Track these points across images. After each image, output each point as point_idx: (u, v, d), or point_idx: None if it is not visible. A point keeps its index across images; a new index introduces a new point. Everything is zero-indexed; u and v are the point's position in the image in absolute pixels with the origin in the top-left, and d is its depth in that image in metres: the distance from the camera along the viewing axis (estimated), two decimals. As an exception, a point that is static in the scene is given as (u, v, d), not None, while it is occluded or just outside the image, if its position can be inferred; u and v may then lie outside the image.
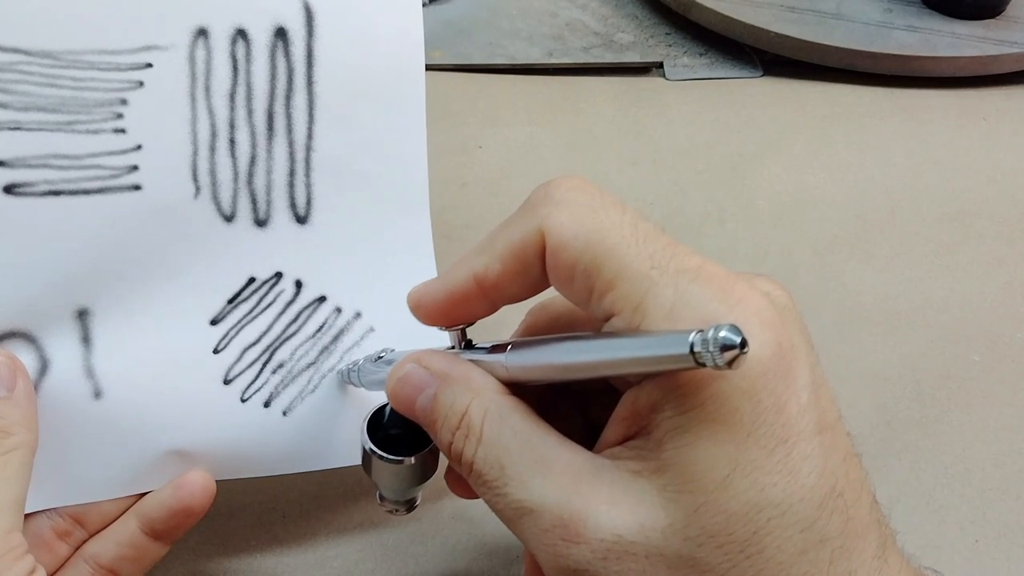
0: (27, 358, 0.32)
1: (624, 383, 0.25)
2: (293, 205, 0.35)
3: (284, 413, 0.34)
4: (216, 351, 0.34)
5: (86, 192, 0.32)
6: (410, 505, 0.31)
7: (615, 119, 0.59)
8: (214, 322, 0.34)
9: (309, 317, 0.35)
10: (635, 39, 0.66)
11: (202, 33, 0.33)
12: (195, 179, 0.34)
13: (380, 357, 0.32)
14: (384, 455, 0.29)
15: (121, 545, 0.32)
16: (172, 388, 0.33)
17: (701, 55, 0.65)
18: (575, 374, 0.25)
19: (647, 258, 0.24)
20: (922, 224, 0.52)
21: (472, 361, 0.27)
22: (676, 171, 0.55)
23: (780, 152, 0.57)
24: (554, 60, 0.63)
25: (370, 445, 0.29)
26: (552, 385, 0.29)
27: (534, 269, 0.26)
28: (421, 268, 0.37)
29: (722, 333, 0.19)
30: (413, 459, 0.29)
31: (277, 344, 0.35)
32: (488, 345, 0.27)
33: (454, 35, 0.65)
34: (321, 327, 0.35)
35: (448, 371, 0.27)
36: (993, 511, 0.39)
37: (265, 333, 0.35)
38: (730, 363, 0.20)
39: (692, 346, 0.20)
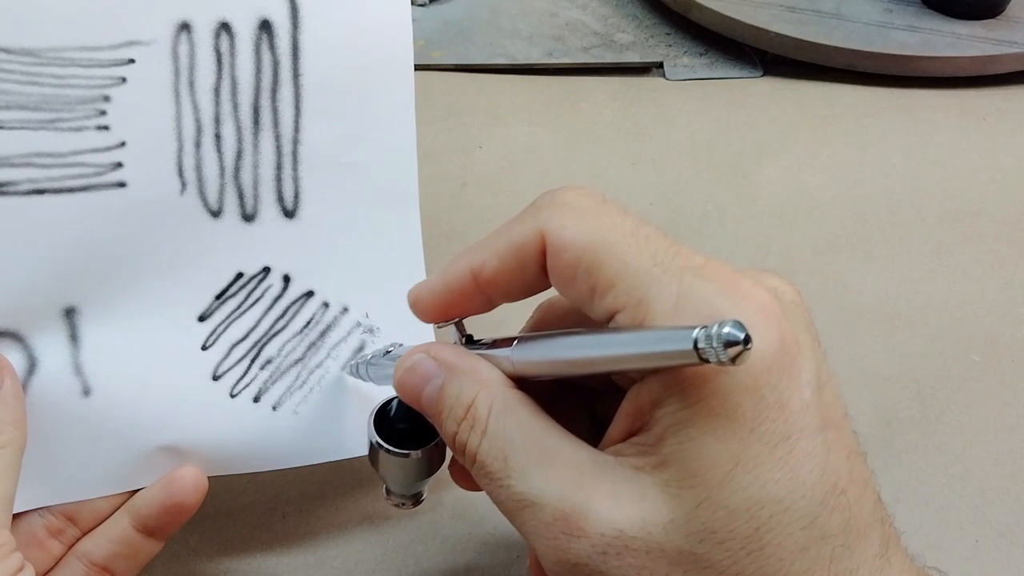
0: (15, 357, 0.32)
1: (628, 379, 0.25)
2: (280, 199, 0.35)
3: (274, 408, 0.34)
4: (204, 347, 0.34)
5: (70, 190, 0.32)
6: (416, 499, 0.31)
7: (615, 119, 0.59)
8: (202, 318, 0.34)
9: (297, 312, 0.35)
10: (635, 39, 0.66)
11: (185, 27, 0.33)
12: (181, 175, 0.33)
13: (388, 352, 0.32)
14: (391, 448, 0.29)
15: (114, 543, 0.32)
16: (161, 385, 0.33)
17: (701, 55, 0.65)
18: (580, 369, 0.25)
19: (649, 256, 0.24)
20: (922, 224, 0.52)
21: (479, 355, 0.27)
22: (676, 171, 0.55)
23: (780, 152, 0.57)
24: (554, 60, 0.63)
25: (377, 438, 0.29)
26: (558, 381, 0.29)
27: (531, 269, 0.26)
28: (409, 262, 0.37)
29: (726, 329, 0.19)
30: (420, 452, 0.29)
31: (265, 340, 0.35)
32: (491, 340, 0.27)
33: (454, 35, 0.65)
34: (308, 322, 0.35)
35: (456, 362, 0.27)
36: (993, 511, 0.39)
37: (253, 329, 0.35)
38: (734, 359, 0.20)
39: (696, 342, 0.20)
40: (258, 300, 0.35)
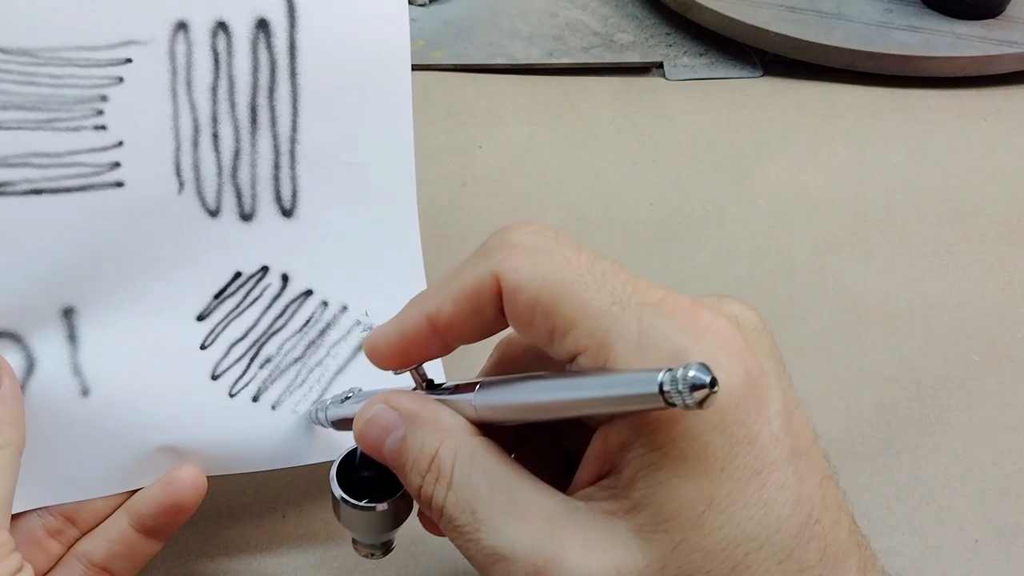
0: (13, 357, 0.32)
1: (595, 420, 0.25)
2: (279, 198, 0.35)
3: (273, 407, 0.34)
4: (203, 347, 0.34)
5: (68, 190, 0.32)
6: (386, 548, 0.30)
7: (615, 119, 0.59)
8: (201, 318, 0.34)
9: (296, 311, 0.35)
10: (635, 39, 0.66)
11: (182, 27, 0.33)
12: (178, 174, 0.33)
13: (348, 398, 0.31)
14: (355, 503, 0.28)
15: (113, 543, 0.32)
16: (160, 384, 0.33)
17: (701, 55, 0.65)
18: (544, 414, 0.24)
19: (608, 294, 0.23)
20: (922, 224, 0.52)
21: (440, 401, 0.26)
22: (676, 171, 0.55)
23: (780, 152, 0.57)
24: (554, 60, 0.63)
25: (340, 493, 0.28)
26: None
27: (487, 312, 0.25)
28: (408, 259, 0.37)
29: (691, 372, 0.19)
30: (386, 505, 0.28)
31: (264, 339, 0.35)
32: (453, 385, 0.27)
33: (454, 35, 0.65)
34: (308, 321, 0.35)
35: (417, 411, 0.26)
36: (993, 511, 0.38)
37: (252, 328, 0.35)
38: (700, 403, 0.19)
39: (661, 386, 0.19)
40: (257, 299, 0.35)
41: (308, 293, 0.35)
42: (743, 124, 0.59)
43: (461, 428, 0.25)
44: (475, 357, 0.30)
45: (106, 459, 0.32)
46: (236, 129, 0.34)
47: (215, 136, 0.34)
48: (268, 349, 0.35)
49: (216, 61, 0.33)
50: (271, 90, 0.34)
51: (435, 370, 0.35)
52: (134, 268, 0.33)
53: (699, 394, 0.19)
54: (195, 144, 0.33)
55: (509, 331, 0.27)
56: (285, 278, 0.35)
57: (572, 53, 0.64)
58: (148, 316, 0.33)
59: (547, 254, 0.24)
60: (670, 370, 0.19)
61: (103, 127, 0.32)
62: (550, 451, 0.30)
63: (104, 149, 0.32)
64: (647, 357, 0.22)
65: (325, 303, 0.36)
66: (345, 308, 0.36)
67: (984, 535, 0.38)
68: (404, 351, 0.27)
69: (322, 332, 0.35)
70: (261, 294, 0.35)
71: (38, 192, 0.32)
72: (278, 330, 0.35)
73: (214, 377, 0.34)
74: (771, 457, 0.22)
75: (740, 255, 0.50)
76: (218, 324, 0.34)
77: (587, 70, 0.63)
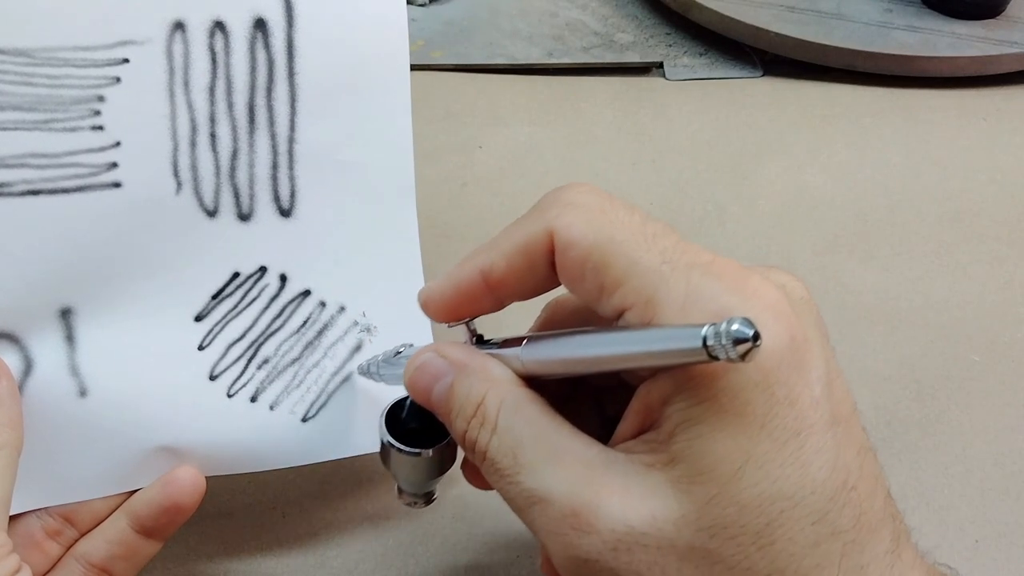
0: (11, 358, 0.32)
1: (637, 377, 0.25)
2: (277, 198, 0.35)
3: (271, 408, 0.34)
4: (201, 347, 0.34)
5: (65, 191, 0.32)
6: (428, 498, 0.31)
7: (615, 119, 0.59)
8: (198, 318, 0.34)
9: (294, 312, 0.35)
10: (635, 39, 0.66)
11: (179, 27, 0.33)
12: (176, 175, 0.33)
13: (399, 352, 0.33)
14: (402, 447, 0.29)
15: (112, 543, 0.32)
16: (157, 385, 0.33)
17: (701, 55, 0.65)
18: (589, 368, 0.25)
19: (657, 254, 0.24)
20: (922, 224, 0.52)
21: (489, 354, 0.27)
22: (676, 171, 0.55)
23: (780, 152, 0.57)
24: (554, 60, 0.63)
25: (388, 438, 0.29)
26: (568, 380, 0.30)
27: (540, 268, 0.26)
28: (406, 260, 0.37)
29: (735, 326, 0.20)
30: (431, 451, 0.29)
31: (262, 340, 0.35)
32: (501, 340, 0.28)
33: (454, 35, 0.65)
34: (305, 322, 0.35)
35: (466, 361, 0.27)
36: (993, 511, 0.38)
37: (250, 328, 0.35)
38: (743, 356, 0.20)
39: (705, 339, 0.20)
40: (255, 299, 0.35)
41: (306, 293, 0.35)
42: (743, 124, 0.59)
43: (507, 379, 0.26)
44: (522, 320, 0.31)
45: (104, 460, 0.32)
46: (234, 129, 0.34)
47: (213, 136, 0.33)
48: (266, 350, 0.35)
49: (214, 61, 0.33)
50: (269, 90, 0.34)
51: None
52: (132, 268, 0.33)
53: (742, 348, 0.20)
54: (193, 144, 0.33)
55: (557, 292, 0.27)
56: (283, 278, 0.35)
57: (572, 53, 0.64)
58: (146, 316, 0.33)
59: (600, 212, 0.25)
60: (714, 324, 0.20)
61: (100, 127, 0.32)
62: (592, 413, 0.31)
63: (101, 150, 0.32)
64: (693, 315, 0.23)
65: (323, 303, 0.35)
66: (343, 308, 0.36)
67: (984, 535, 0.38)
68: (457, 305, 0.28)
69: (320, 333, 0.35)
70: (259, 294, 0.35)
71: (35, 193, 0.31)
72: (276, 330, 0.35)
73: (212, 378, 0.34)
74: (810, 420, 0.23)
75: (740, 255, 0.50)
76: (216, 324, 0.34)
77: (587, 70, 0.63)
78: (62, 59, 0.32)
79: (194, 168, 0.34)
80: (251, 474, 0.35)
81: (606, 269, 0.24)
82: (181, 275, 0.34)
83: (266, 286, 0.35)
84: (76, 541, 0.32)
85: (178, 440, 0.33)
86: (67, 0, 0.31)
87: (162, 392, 0.33)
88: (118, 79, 0.32)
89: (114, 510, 0.33)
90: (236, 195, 0.34)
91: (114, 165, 0.32)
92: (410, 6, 0.66)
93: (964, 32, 0.63)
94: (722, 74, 0.63)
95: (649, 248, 0.24)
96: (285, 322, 0.35)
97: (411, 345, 0.33)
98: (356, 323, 0.36)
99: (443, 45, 0.64)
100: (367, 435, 0.35)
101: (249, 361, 0.34)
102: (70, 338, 0.32)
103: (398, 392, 0.30)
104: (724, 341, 0.20)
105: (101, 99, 0.32)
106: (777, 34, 0.62)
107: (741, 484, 0.22)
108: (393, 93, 0.36)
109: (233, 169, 0.34)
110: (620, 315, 0.24)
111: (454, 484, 0.32)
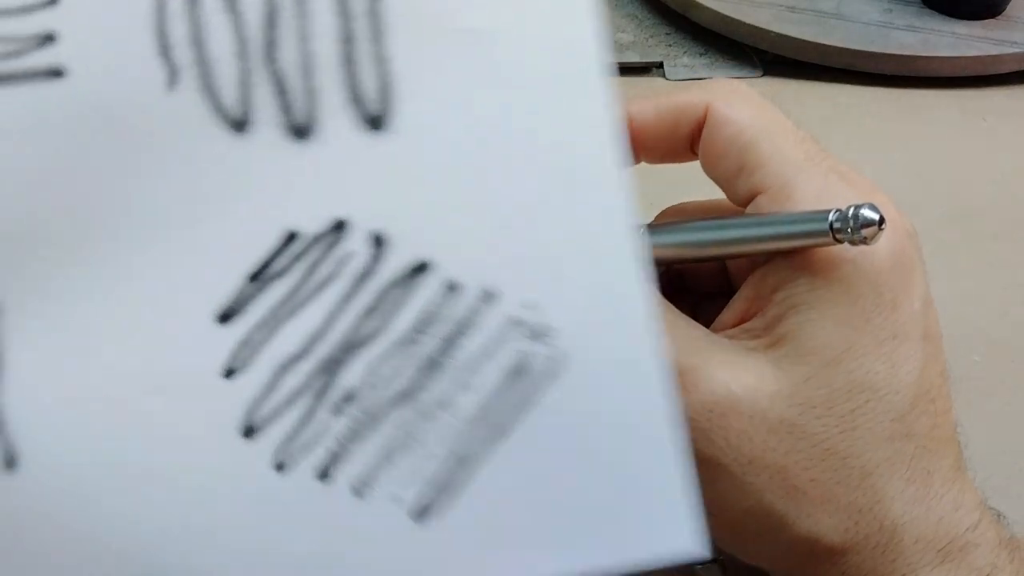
0: None
1: (746, 271, 0.27)
2: (356, 97, 0.20)
3: (356, 493, 0.19)
4: (230, 373, 0.19)
5: None
6: None
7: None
8: (224, 317, 0.19)
9: (400, 302, 0.20)
10: (635, 39, 0.66)
11: None
12: (166, 54, 0.19)
13: None
14: None
15: None
16: (146, 449, 0.19)
17: (701, 55, 0.65)
18: (711, 251, 0.27)
19: (803, 151, 0.26)
20: (922, 224, 0.52)
21: None
22: (676, 171, 0.55)
23: (780, 152, 0.57)
24: (554, 60, 0.63)
25: None
26: (669, 282, 0.31)
27: (682, 133, 0.28)
28: (603, 203, 0.21)
29: (863, 211, 0.22)
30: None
31: (341, 356, 0.20)
32: None
33: (454, 35, 0.65)
34: (423, 321, 0.20)
35: None
36: (993, 511, 0.38)
37: (318, 337, 0.20)
38: (868, 239, 0.22)
39: (832, 223, 0.22)
40: (327, 281, 0.20)
41: (421, 268, 0.20)
42: (743, 124, 0.59)
43: None
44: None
45: None
46: None
47: None
48: (349, 376, 0.20)
49: None
50: None
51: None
52: (95, 229, 0.19)
53: (868, 231, 0.22)
54: (192, 0, 0.19)
55: (675, 203, 0.30)
56: (378, 241, 0.20)
57: (572, 53, 0.64)
58: (124, 317, 0.19)
59: (760, 105, 0.27)
60: (839, 210, 0.22)
61: None
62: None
63: (24, 11, 0.18)
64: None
65: (453, 286, 0.20)
66: (491, 296, 0.20)
67: (984, 535, 0.38)
68: None
69: (450, 341, 0.20)
70: (335, 272, 0.20)
71: None
72: (367, 339, 0.20)
73: (247, 432, 0.19)
74: (907, 328, 0.25)
75: (740, 255, 0.50)
76: (255, 330, 0.19)
77: (587, 70, 0.63)
78: None
79: (199, 42, 0.19)
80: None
81: (753, 149, 0.26)
82: (189, 239, 0.19)
83: (348, 256, 0.20)
84: None
85: (185, 559, 0.19)
86: None
87: (154, 463, 0.19)
88: None
89: None
90: (281, 91, 0.20)
91: (48, 39, 0.18)
92: None
93: (964, 32, 0.63)
94: (722, 74, 0.63)
95: (797, 145, 0.26)
96: (384, 323, 0.20)
97: None
98: (517, 322, 0.20)
99: (443, 45, 0.64)
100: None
101: (318, 399, 0.20)
102: None
103: None
104: (851, 224, 0.22)
105: None
106: (777, 34, 0.62)
107: (838, 369, 0.24)
108: None
109: (271, 44, 0.19)
110: (751, 199, 0.26)
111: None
